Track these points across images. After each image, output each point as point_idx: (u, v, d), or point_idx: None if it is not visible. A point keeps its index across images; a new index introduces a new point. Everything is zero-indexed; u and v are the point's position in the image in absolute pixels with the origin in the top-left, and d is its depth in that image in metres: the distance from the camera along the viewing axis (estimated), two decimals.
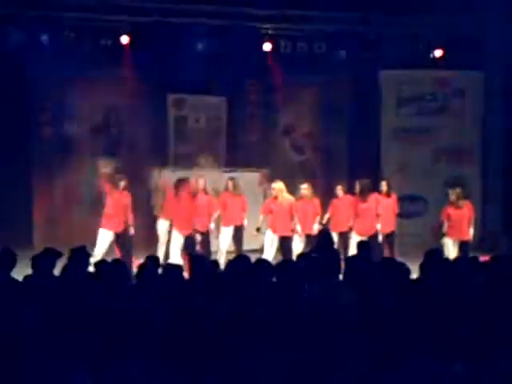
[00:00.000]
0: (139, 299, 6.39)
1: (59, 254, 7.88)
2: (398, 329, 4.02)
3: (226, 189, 14.48)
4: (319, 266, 7.36)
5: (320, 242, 9.69)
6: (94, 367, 4.69)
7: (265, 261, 7.69)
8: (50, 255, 7.82)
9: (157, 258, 8.37)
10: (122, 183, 13.66)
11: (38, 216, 17.43)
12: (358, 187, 14.18)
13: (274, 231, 13.71)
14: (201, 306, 6.20)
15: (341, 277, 7.54)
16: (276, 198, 13.76)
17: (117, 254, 12.92)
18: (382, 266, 7.73)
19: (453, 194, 14.07)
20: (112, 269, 7.53)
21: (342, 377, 3.98)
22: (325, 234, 9.91)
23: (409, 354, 3.92)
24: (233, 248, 14.33)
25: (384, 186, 14.42)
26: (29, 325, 4.69)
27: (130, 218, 13.62)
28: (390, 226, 14.29)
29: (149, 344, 5.14)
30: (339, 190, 14.52)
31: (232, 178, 14.71)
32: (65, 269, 7.76)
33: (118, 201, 13.55)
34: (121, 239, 13.45)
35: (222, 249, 14.26)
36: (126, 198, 13.70)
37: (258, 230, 13.81)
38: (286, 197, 13.82)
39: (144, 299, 6.37)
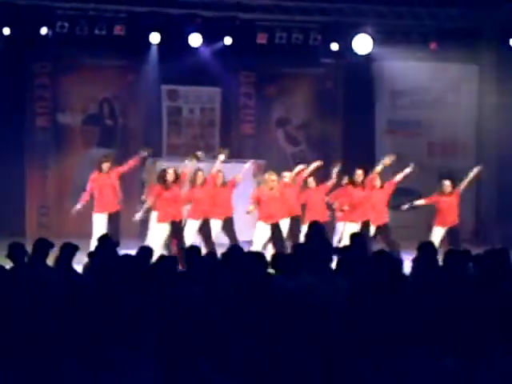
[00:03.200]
0: (134, 289, 6.38)
1: (51, 245, 7.84)
2: (389, 322, 4.02)
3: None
4: (311, 257, 7.36)
5: (310, 233, 9.66)
6: (88, 357, 4.68)
7: (258, 253, 7.70)
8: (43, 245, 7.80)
9: (150, 249, 8.36)
10: (106, 165, 13.62)
11: (30, 205, 17.46)
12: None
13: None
14: (195, 297, 6.21)
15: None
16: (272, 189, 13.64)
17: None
18: (374, 258, 7.74)
19: (448, 186, 13.99)
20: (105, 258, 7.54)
21: (330, 367, 3.99)
22: (315, 224, 9.87)
23: (400, 347, 3.93)
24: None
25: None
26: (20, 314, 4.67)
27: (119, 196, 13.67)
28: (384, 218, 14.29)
29: (142, 335, 5.14)
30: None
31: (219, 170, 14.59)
32: (57, 261, 7.74)
33: (105, 183, 13.55)
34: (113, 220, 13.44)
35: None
36: (113, 179, 13.69)
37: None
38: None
39: (139, 289, 6.37)
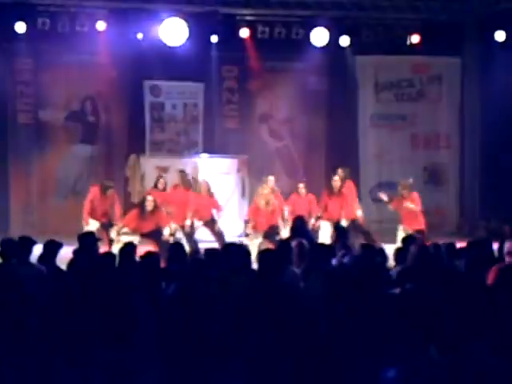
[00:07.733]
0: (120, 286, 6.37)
1: (34, 242, 7.84)
2: (373, 314, 4.02)
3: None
4: (294, 253, 7.37)
5: (294, 229, 9.68)
6: (76, 356, 4.65)
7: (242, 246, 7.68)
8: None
9: (133, 245, 8.35)
10: (110, 191, 13.75)
11: (14, 202, 17.37)
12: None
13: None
14: (177, 293, 6.19)
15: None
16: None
17: None
18: (360, 251, 7.75)
19: (403, 189, 13.91)
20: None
21: (315, 361, 3.99)
22: (299, 220, 9.90)
23: (384, 340, 3.93)
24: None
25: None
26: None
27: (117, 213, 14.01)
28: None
29: (130, 332, 5.13)
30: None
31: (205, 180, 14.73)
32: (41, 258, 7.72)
33: (103, 205, 13.83)
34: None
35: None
36: (113, 201, 13.97)
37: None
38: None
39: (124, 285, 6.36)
